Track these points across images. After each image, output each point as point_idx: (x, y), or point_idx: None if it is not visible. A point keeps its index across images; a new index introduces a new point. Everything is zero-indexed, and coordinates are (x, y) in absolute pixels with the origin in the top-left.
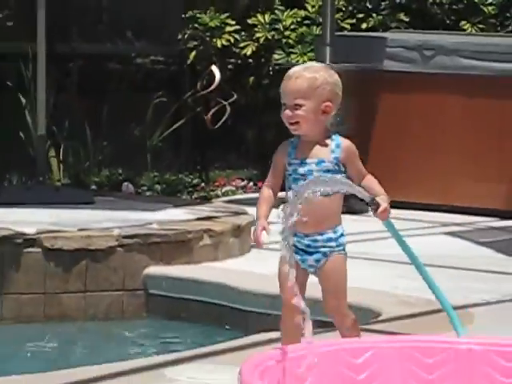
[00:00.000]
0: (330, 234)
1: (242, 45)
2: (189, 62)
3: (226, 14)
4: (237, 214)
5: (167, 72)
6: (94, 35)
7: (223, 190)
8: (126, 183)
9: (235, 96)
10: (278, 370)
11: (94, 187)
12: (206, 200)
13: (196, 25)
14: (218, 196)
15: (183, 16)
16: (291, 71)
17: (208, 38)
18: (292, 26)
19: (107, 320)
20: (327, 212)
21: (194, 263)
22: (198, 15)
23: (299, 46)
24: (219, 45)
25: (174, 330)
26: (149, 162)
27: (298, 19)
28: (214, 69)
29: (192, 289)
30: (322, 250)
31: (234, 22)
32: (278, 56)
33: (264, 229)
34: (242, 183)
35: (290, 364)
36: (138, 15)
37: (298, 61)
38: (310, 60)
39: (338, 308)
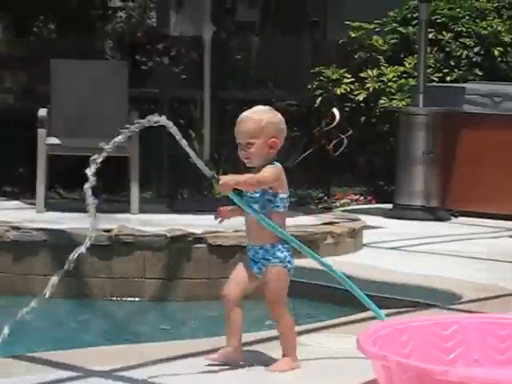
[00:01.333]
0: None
1: (356, 92)
2: (316, 105)
3: (344, 69)
4: (352, 220)
5: (299, 113)
6: (244, 85)
7: (341, 202)
8: None
9: (350, 131)
10: (386, 338)
11: None
12: (328, 209)
13: (321, 77)
14: (337, 207)
15: (311, 71)
16: (242, 115)
17: (330, 87)
18: (394, 79)
19: (257, 299)
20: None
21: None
22: (322, 70)
23: (399, 94)
24: (339, 92)
25: (305, 307)
26: None
27: (398, 73)
28: (335, 111)
29: (318, 276)
30: (262, 261)
31: (349, 76)
32: (383, 101)
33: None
34: (355, 197)
35: (395, 333)
36: (278, 70)
37: (397, 105)
38: (408, 105)
39: (272, 311)
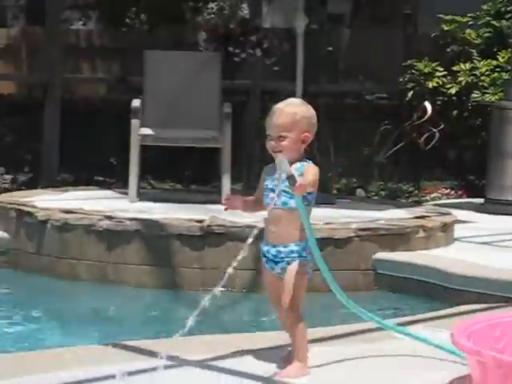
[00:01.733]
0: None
1: (448, 86)
2: (407, 98)
3: (437, 63)
4: (443, 214)
5: (390, 106)
6: (336, 78)
7: (431, 196)
8: (359, 189)
9: (442, 125)
10: (480, 333)
11: (335, 192)
12: (418, 203)
13: (413, 70)
14: (427, 200)
15: (403, 64)
16: (275, 107)
17: (422, 81)
18: (486, 72)
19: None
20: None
21: (410, 251)
22: (414, 63)
23: (492, 88)
24: (431, 86)
25: (396, 300)
26: (376, 174)
27: (491, 67)
28: (427, 104)
29: (409, 270)
30: (286, 259)
31: (442, 69)
32: (475, 95)
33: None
34: (446, 191)
35: (488, 329)
36: (369, 63)
37: (490, 99)
38: (501, 99)
39: (285, 312)
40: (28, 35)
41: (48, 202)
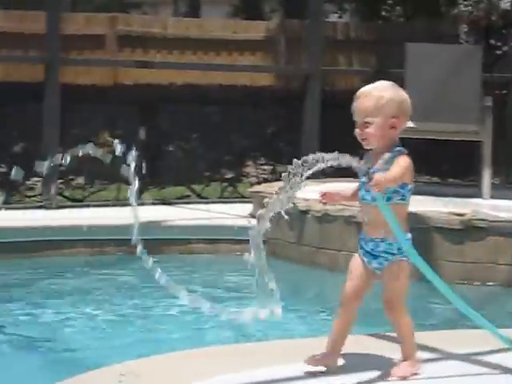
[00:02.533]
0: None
1: None
2: None
3: None
4: None
5: None
6: None
7: None
8: None
9: None
10: None
11: None
12: None
13: None
14: None
15: None
16: (360, 91)
17: None
18: None
19: None
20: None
21: None
22: None
23: None
24: None
25: None
26: None
27: None
28: None
29: None
30: (384, 255)
31: None
32: None
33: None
34: None
35: None
36: None
37: None
38: None
39: (391, 312)
40: (286, 28)
41: (307, 192)
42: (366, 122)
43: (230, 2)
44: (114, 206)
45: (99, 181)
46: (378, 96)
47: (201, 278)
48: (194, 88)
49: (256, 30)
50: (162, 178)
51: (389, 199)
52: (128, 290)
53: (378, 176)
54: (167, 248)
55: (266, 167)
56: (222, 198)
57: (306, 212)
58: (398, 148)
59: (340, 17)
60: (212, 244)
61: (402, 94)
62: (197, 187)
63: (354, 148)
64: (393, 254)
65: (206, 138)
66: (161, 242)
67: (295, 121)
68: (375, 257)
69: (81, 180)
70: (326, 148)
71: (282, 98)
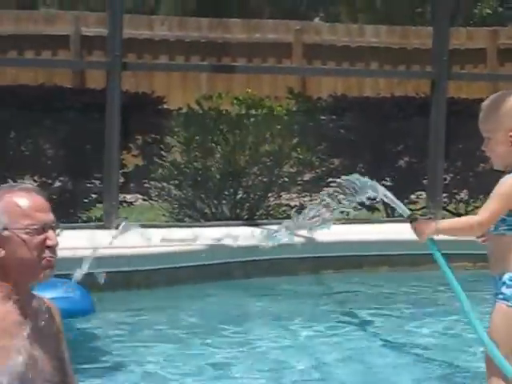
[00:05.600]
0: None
1: None
2: None
3: None
4: None
5: None
6: None
7: None
8: None
9: None
10: None
11: None
12: None
13: None
14: None
15: None
16: (482, 104)
17: None
18: None
19: None
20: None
21: None
22: None
23: None
24: None
25: None
26: None
27: None
28: None
29: None
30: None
31: None
32: None
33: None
34: None
35: None
36: None
37: None
38: None
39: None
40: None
41: None
42: (488, 138)
43: None
44: None
45: (483, 196)
46: (495, 108)
47: None
48: None
49: None
50: None
51: (495, 228)
52: None
53: (421, 225)
54: None
55: None
56: None
57: None
58: None
59: None
60: None
61: None
62: None
63: None
64: (496, 294)
65: None
66: None
67: None
68: (496, 294)
69: (464, 195)
70: None
71: None
